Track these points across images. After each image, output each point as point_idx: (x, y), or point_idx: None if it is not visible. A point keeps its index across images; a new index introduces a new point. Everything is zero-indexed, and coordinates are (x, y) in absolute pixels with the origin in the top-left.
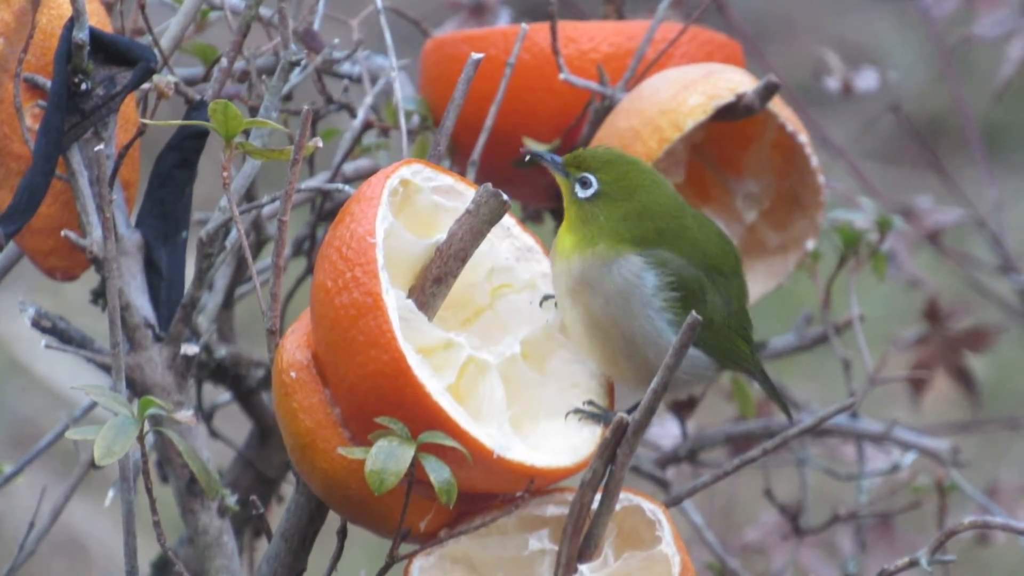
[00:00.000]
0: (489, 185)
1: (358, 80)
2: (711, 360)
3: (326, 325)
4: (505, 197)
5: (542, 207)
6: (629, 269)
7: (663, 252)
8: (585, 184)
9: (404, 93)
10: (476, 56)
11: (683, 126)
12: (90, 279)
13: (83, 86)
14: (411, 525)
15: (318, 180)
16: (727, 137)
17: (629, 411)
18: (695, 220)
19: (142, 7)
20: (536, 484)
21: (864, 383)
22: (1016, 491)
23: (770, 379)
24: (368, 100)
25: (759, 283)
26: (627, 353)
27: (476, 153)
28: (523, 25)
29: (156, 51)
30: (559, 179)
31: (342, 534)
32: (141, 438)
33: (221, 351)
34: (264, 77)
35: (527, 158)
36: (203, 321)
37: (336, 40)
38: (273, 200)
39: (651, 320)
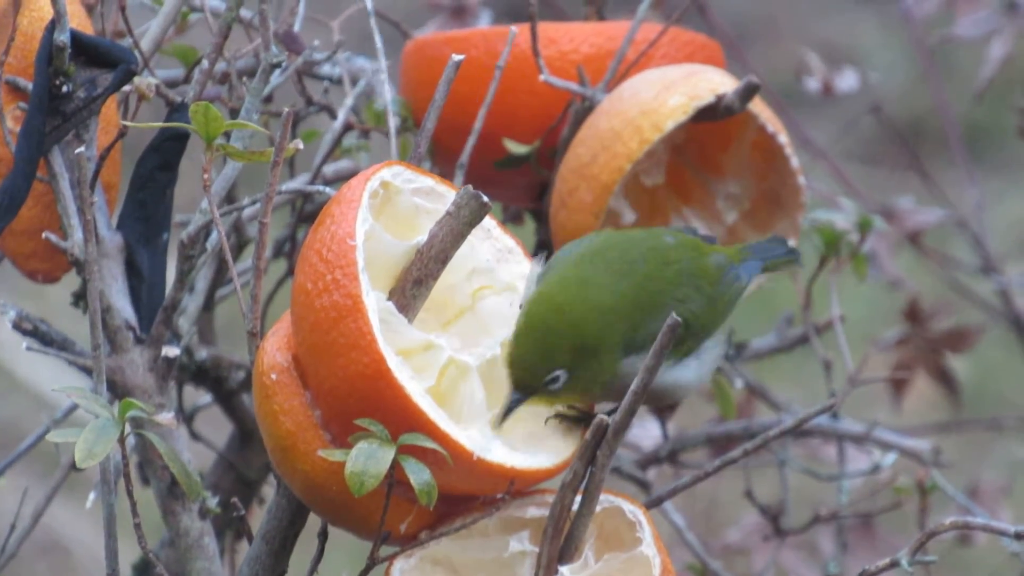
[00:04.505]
0: (470, 187)
1: (339, 82)
2: (699, 376)
3: (306, 327)
4: (486, 199)
5: (523, 208)
6: (626, 371)
7: (645, 333)
8: (555, 382)
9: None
10: (457, 58)
11: (663, 127)
12: (71, 281)
13: (64, 88)
14: (392, 527)
15: (299, 182)
16: (708, 138)
17: (609, 413)
18: (653, 253)
19: (123, 9)
20: (516, 486)
21: (845, 384)
22: (997, 492)
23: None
24: (348, 102)
25: None
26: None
27: (464, 156)
28: (512, 28)
29: (137, 53)
30: (543, 399)
31: (323, 536)
32: (122, 440)
33: (202, 353)
34: (245, 79)
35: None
36: (184, 323)
37: (316, 42)
38: (254, 202)
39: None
